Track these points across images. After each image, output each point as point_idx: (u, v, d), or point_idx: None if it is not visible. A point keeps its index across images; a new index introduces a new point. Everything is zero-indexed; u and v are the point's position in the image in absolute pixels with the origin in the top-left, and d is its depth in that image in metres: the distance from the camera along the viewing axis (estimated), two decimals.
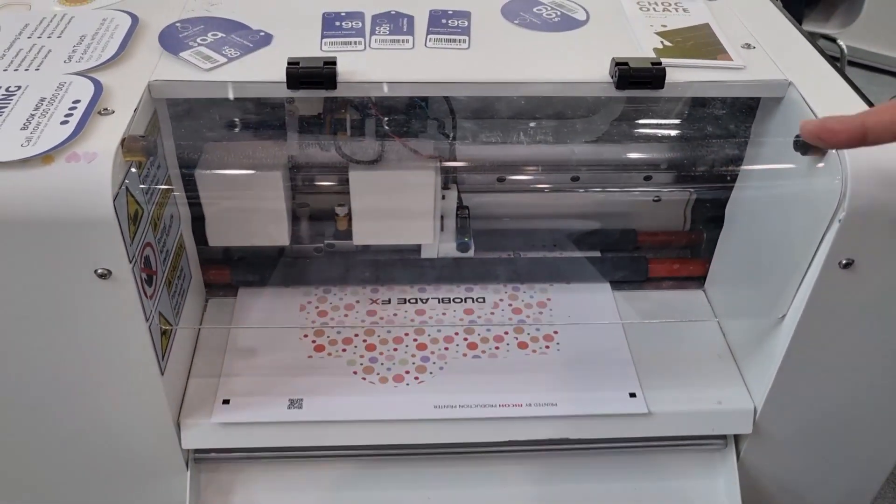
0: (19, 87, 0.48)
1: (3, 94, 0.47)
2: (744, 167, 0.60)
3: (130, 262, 0.46)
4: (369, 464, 0.61)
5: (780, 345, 0.54)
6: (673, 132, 0.66)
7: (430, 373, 0.61)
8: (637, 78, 0.51)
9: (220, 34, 0.54)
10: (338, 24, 0.56)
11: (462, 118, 0.62)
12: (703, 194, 0.69)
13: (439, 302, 0.67)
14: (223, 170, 0.58)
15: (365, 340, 0.63)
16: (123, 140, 0.45)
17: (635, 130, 0.66)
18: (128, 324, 0.48)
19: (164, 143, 0.54)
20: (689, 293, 0.69)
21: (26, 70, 0.50)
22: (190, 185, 0.58)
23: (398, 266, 0.68)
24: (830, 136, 0.36)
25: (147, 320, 0.49)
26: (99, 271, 0.46)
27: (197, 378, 0.59)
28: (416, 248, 0.67)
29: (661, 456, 0.62)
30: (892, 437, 0.61)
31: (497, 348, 0.63)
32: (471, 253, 0.65)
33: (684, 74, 0.52)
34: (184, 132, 0.56)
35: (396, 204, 0.60)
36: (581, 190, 0.68)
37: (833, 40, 1.18)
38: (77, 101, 0.46)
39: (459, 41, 0.55)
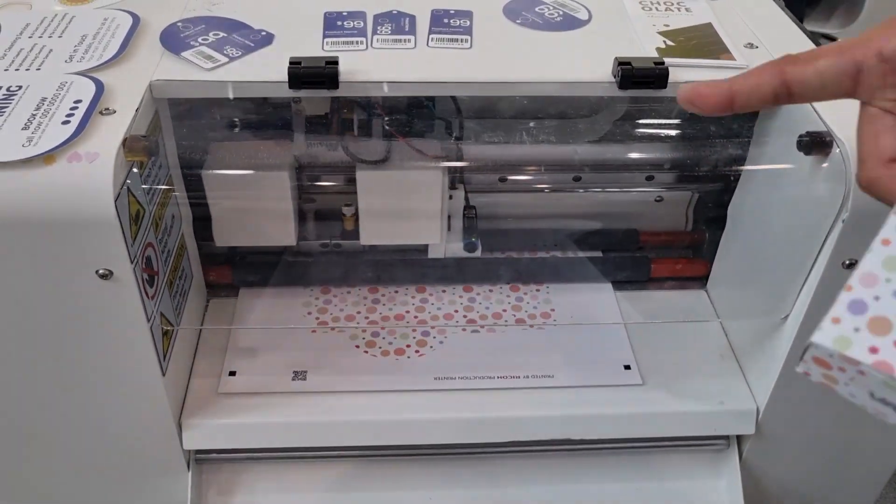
0: (20, 87, 0.47)
1: (4, 94, 0.47)
2: (746, 167, 0.60)
3: (132, 262, 0.46)
4: (369, 464, 0.61)
5: (783, 345, 0.54)
6: (675, 132, 0.66)
7: (431, 346, 0.62)
8: (640, 78, 0.51)
9: (221, 34, 0.54)
10: (339, 23, 0.56)
11: (466, 118, 0.62)
12: (706, 194, 0.69)
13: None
14: (230, 170, 0.59)
15: (367, 318, 0.65)
16: (125, 140, 0.45)
17: (637, 130, 0.65)
18: (129, 324, 0.48)
19: (166, 142, 0.54)
20: (691, 293, 0.69)
21: (27, 70, 0.49)
22: (193, 186, 0.58)
23: (400, 266, 0.68)
24: (701, 101, 0.37)
25: (148, 321, 0.49)
26: (100, 271, 0.45)
27: (198, 378, 0.59)
28: (423, 248, 0.67)
29: (663, 456, 0.62)
30: (895, 438, 0.61)
31: (495, 325, 0.65)
32: (478, 252, 0.66)
33: (687, 74, 0.52)
34: (185, 132, 0.56)
35: (404, 204, 0.61)
36: (583, 190, 0.67)
37: (834, 39, 1.18)
38: (78, 101, 0.46)
39: (461, 41, 0.55)
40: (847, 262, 0.48)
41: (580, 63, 0.53)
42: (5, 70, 0.49)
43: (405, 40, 0.55)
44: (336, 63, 0.50)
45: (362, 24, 0.56)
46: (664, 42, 0.55)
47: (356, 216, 0.62)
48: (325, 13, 0.57)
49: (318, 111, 0.60)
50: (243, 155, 0.59)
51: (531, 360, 0.61)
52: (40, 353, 0.50)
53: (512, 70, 0.52)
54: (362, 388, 0.59)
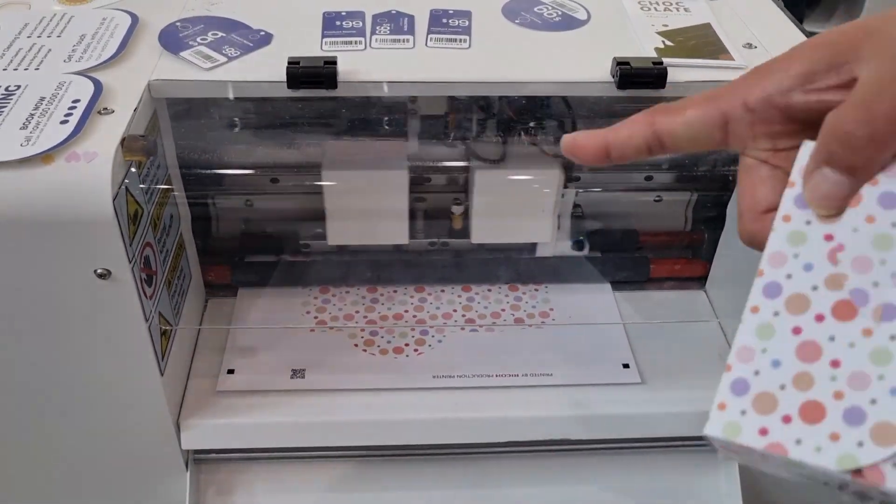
0: (19, 87, 0.47)
1: (2, 94, 0.47)
2: None
3: (130, 262, 0.46)
4: (368, 464, 0.61)
5: None
6: None
7: (430, 345, 0.62)
8: (638, 77, 0.50)
9: (220, 33, 0.54)
10: (338, 23, 0.56)
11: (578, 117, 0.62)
12: (705, 194, 0.68)
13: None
14: (349, 168, 0.60)
15: (366, 317, 0.65)
16: (123, 139, 0.45)
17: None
18: (127, 324, 0.48)
19: (164, 142, 0.54)
20: (690, 293, 0.69)
21: (26, 69, 0.49)
22: (194, 185, 0.58)
23: (398, 266, 0.68)
24: (580, 152, 0.36)
25: (147, 320, 0.49)
26: (98, 271, 0.45)
27: (197, 378, 0.59)
28: (530, 247, 0.68)
29: (661, 456, 0.62)
30: None
31: (494, 324, 0.65)
32: (585, 251, 0.67)
33: (686, 74, 0.52)
34: (184, 132, 0.56)
35: (518, 203, 0.61)
36: (582, 190, 0.67)
37: None
38: (77, 101, 0.46)
39: (460, 41, 0.55)
40: None
41: (579, 63, 0.53)
42: (4, 69, 0.49)
43: (404, 40, 0.55)
44: (334, 63, 0.50)
45: (361, 23, 0.56)
46: (663, 42, 0.55)
47: (465, 215, 0.63)
48: (324, 13, 0.57)
49: (435, 111, 0.61)
50: (361, 153, 0.60)
51: (530, 359, 0.61)
52: (38, 353, 0.50)
53: (511, 70, 0.52)
54: (361, 386, 0.59)
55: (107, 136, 0.44)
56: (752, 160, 0.33)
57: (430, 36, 0.55)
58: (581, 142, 0.35)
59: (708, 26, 0.57)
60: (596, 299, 0.67)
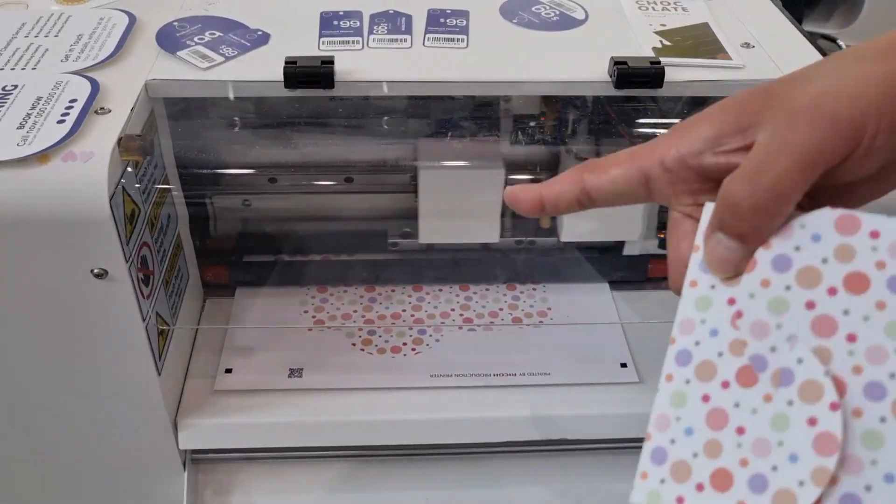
0: (16, 86, 0.47)
1: None
2: None
3: (127, 261, 0.46)
4: (366, 464, 0.61)
5: None
6: None
7: (427, 345, 0.62)
8: (636, 77, 0.51)
9: (217, 33, 0.54)
10: (336, 23, 0.56)
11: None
12: None
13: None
14: (445, 167, 0.60)
15: (363, 316, 0.65)
16: (120, 139, 0.45)
17: (634, 130, 0.65)
18: (124, 324, 0.48)
19: (162, 142, 0.54)
20: None
21: (23, 69, 0.49)
22: (188, 185, 0.58)
23: (396, 266, 0.68)
24: (518, 204, 0.37)
25: (144, 320, 0.49)
26: (95, 271, 0.45)
27: (194, 378, 0.59)
28: (618, 245, 0.68)
29: None
30: None
31: (492, 323, 0.65)
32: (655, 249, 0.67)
33: (683, 73, 0.52)
34: (181, 131, 0.56)
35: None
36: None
37: (833, 40, 1.17)
38: (73, 101, 0.46)
39: (458, 40, 0.55)
40: None
41: (577, 62, 0.53)
42: (1, 69, 0.49)
43: (401, 40, 0.55)
44: (332, 63, 0.50)
45: (358, 23, 0.56)
46: (661, 42, 0.55)
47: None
48: (321, 13, 0.57)
49: (529, 111, 0.61)
50: (457, 152, 0.60)
51: (527, 359, 0.61)
52: (35, 353, 0.50)
53: (508, 69, 0.52)
54: (358, 385, 0.59)
55: (103, 136, 0.44)
56: (678, 214, 0.34)
57: (427, 36, 0.55)
58: (518, 195, 0.37)
59: (706, 26, 0.57)
60: (594, 299, 0.67)
